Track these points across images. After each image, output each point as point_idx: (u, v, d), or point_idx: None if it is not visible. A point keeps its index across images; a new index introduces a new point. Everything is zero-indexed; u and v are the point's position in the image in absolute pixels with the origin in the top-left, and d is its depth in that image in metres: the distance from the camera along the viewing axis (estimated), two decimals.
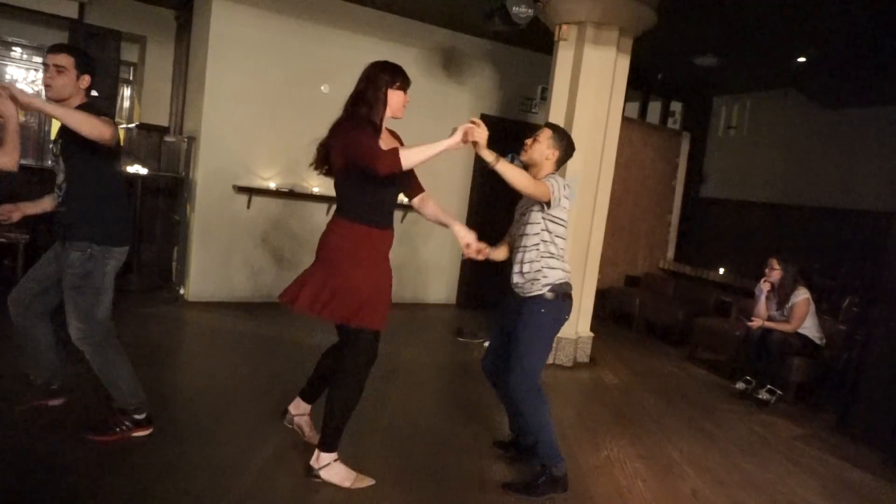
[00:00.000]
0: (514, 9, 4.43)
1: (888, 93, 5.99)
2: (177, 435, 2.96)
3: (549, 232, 2.72)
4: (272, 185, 5.69)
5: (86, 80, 2.72)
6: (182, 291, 5.68)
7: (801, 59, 5.83)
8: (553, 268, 2.73)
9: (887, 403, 3.95)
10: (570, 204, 2.76)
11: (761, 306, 4.82)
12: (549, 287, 2.71)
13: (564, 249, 2.79)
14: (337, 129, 2.51)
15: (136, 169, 5.73)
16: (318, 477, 2.61)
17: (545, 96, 5.64)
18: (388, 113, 2.55)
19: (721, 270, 6.91)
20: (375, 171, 2.31)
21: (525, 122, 6.90)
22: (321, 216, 5.99)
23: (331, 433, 2.60)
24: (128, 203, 3.03)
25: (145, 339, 4.40)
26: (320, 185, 5.87)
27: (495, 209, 6.75)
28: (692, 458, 3.47)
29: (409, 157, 2.31)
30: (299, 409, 2.97)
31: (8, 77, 6.45)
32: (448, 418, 3.67)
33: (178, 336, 4.80)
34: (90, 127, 2.41)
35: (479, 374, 4.61)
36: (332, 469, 2.62)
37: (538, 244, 2.73)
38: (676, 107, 8.01)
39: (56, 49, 2.68)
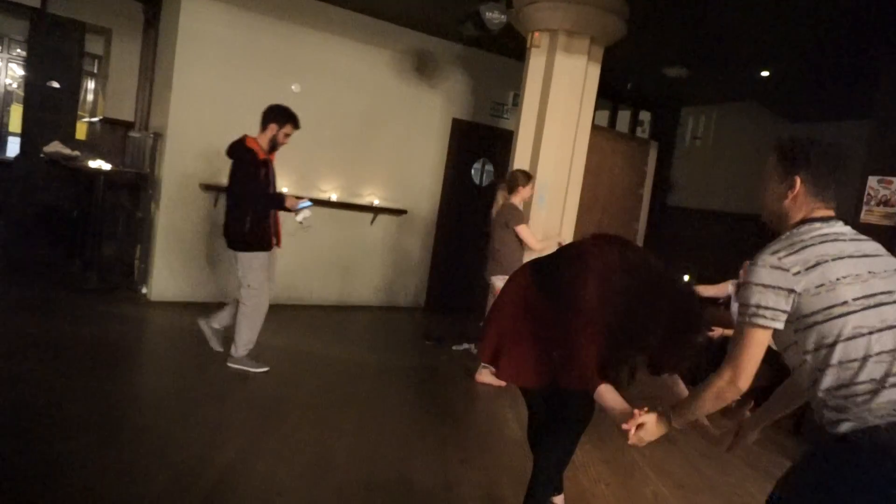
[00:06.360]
0: (488, 14, 4.46)
1: (849, 108, 6.20)
2: (134, 438, 2.89)
3: (808, 351, 1.57)
4: None
5: None
6: (145, 290, 5.55)
7: (765, 73, 5.99)
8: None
9: None
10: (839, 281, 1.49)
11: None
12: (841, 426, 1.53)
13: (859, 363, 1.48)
14: None
15: (99, 164, 5.58)
16: None
17: (517, 102, 5.68)
18: None
19: (686, 278, 7.03)
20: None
21: (496, 127, 6.94)
22: (288, 216, 5.92)
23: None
24: None
25: (104, 338, 4.28)
26: (288, 186, 5.80)
27: (463, 215, 6.80)
28: (654, 462, 3.52)
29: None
30: None
31: None
32: (415, 422, 3.65)
33: (139, 336, 4.69)
34: None
35: (446, 378, 4.65)
36: None
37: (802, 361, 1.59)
38: (645, 116, 8.15)
39: None
